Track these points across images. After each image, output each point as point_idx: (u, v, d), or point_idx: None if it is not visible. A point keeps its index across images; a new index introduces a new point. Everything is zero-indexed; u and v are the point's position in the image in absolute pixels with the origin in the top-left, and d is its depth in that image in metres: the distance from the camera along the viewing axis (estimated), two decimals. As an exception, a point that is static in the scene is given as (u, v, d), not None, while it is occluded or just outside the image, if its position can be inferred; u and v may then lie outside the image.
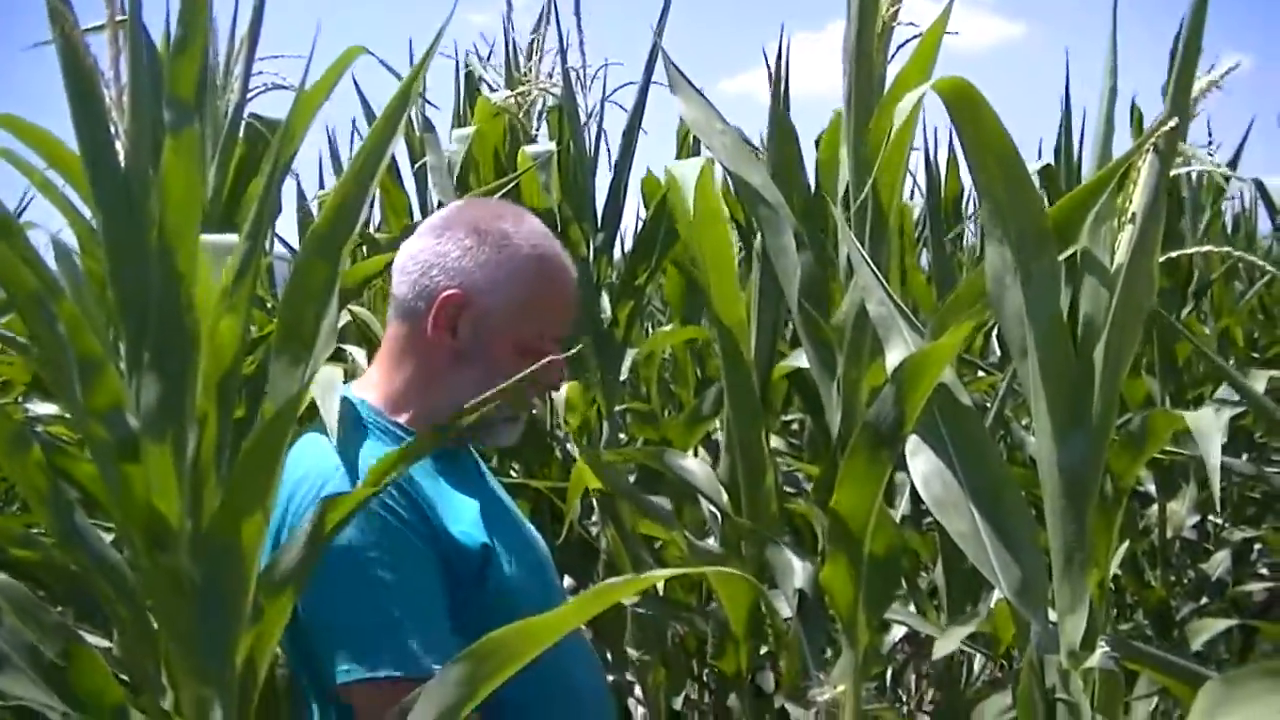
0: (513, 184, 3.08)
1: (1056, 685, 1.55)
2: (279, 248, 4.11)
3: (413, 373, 2.02)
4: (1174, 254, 1.89)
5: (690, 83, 2.59)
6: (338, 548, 1.73)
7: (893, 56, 2.17)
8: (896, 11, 2.17)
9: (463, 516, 1.95)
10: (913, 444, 1.68)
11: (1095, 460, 1.52)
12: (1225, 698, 1.25)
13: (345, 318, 3.09)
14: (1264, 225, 5.91)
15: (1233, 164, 4.67)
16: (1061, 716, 1.53)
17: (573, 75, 3.53)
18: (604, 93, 3.60)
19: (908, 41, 2.16)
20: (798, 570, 2.37)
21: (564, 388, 3.20)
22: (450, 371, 2.00)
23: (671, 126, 3.86)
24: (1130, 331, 1.51)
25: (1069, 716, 1.52)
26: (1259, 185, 5.42)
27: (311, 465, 1.89)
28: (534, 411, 3.07)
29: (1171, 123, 1.49)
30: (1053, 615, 1.58)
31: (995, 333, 4.57)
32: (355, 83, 3.87)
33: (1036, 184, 1.60)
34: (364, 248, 3.38)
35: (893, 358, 1.74)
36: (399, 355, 2.03)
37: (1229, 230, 5.56)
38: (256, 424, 1.44)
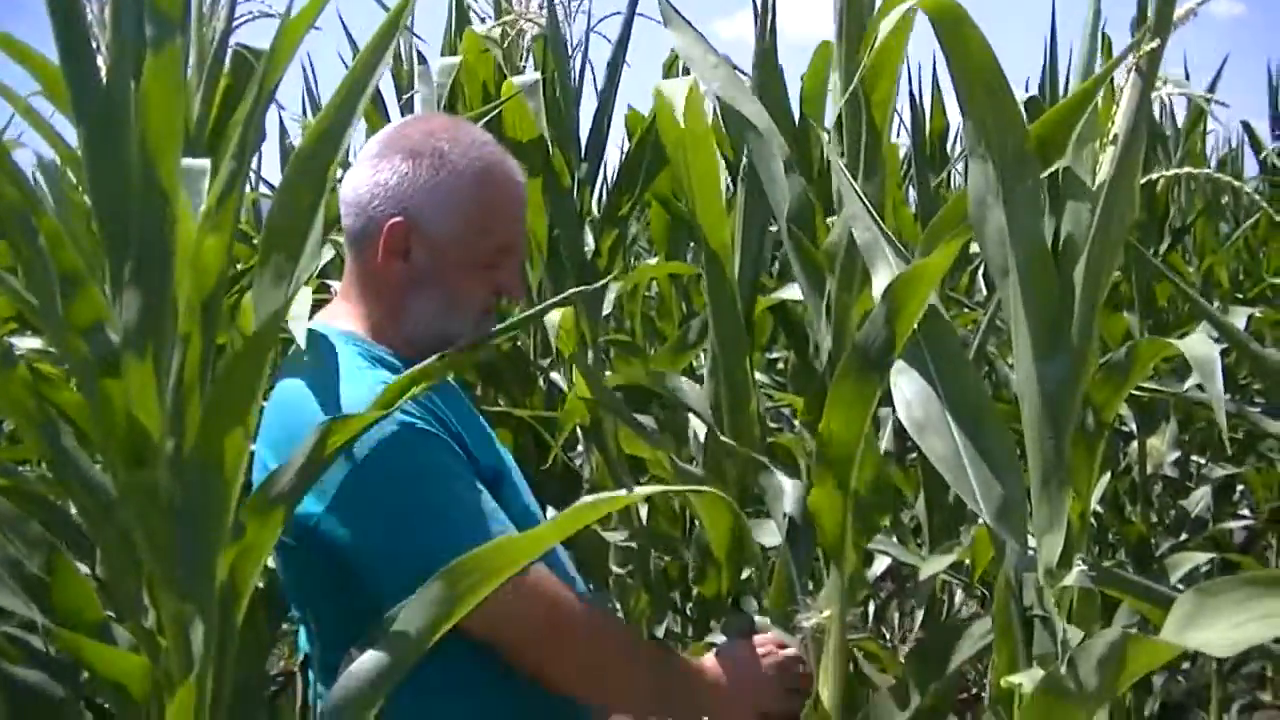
0: (495, 112, 3.06)
1: (1033, 603, 1.56)
2: (263, 187, 4.10)
3: (377, 302, 2.02)
4: (1155, 176, 1.88)
5: (680, 14, 2.57)
6: (403, 476, 1.78)
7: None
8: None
9: (476, 438, 1.98)
10: (897, 367, 1.68)
11: (1075, 380, 1.52)
12: (1201, 607, 1.25)
13: (329, 252, 3.08)
14: (1249, 169, 5.94)
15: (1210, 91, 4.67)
16: (1038, 632, 1.54)
17: (558, 6, 3.51)
18: (589, 23, 3.59)
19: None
20: (789, 493, 2.35)
21: (556, 315, 3.20)
22: (410, 297, 2.00)
23: (657, 60, 3.84)
24: (1110, 251, 1.51)
25: (1044, 632, 1.52)
26: (1245, 126, 5.45)
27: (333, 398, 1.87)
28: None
29: (1153, 43, 1.48)
30: (1032, 542, 1.58)
31: (981, 271, 4.58)
32: (339, 13, 3.85)
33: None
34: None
35: (879, 281, 1.73)
36: (361, 287, 2.04)
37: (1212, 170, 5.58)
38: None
